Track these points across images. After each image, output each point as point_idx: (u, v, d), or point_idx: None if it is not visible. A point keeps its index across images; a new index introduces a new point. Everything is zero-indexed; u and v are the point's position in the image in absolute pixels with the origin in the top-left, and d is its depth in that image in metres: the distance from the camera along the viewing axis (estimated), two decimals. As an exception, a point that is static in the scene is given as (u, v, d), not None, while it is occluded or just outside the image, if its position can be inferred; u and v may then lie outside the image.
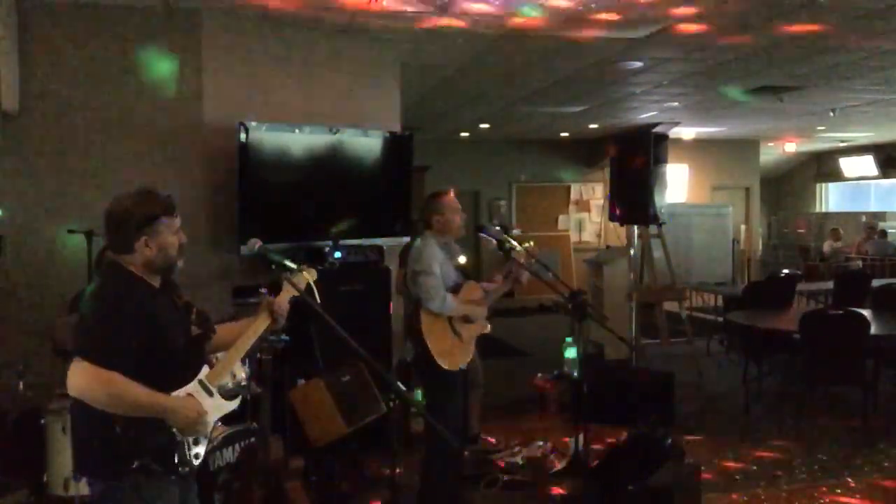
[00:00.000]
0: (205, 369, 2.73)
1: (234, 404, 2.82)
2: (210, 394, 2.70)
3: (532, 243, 4.47)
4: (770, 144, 15.72)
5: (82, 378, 2.46)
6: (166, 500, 2.62)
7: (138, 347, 2.52)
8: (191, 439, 2.61)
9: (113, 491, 2.56)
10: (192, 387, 2.66)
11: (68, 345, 3.67)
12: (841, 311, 5.98)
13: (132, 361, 2.49)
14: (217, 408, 2.72)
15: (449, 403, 4.13)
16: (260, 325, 2.87)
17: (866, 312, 6.22)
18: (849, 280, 9.00)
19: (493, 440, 5.81)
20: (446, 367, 4.09)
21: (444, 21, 5.84)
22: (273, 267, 3.03)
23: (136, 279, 2.65)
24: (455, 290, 4.24)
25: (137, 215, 2.61)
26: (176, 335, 2.69)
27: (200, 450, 2.65)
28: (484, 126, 12.33)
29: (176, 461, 2.57)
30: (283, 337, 3.75)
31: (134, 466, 2.50)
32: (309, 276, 3.08)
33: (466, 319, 4.24)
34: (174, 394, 2.60)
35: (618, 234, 9.87)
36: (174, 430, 2.55)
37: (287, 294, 2.95)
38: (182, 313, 2.77)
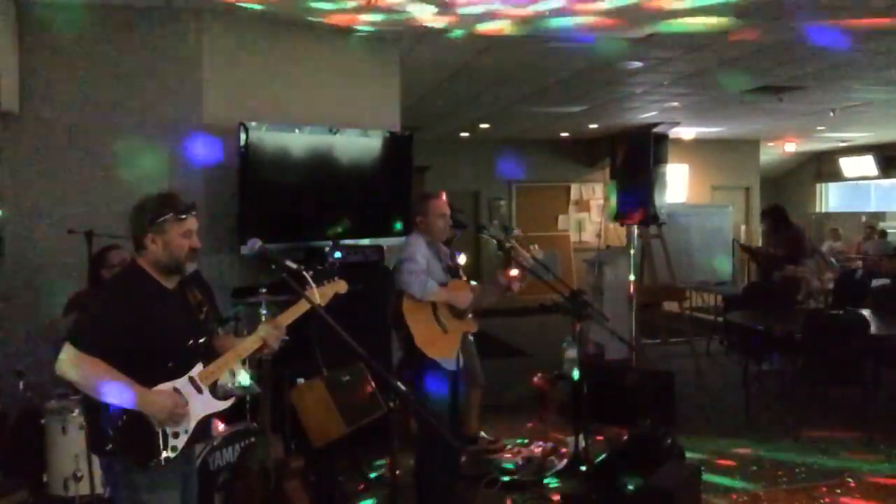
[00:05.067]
0: (198, 367, 2.80)
1: (225, 404, 2.88)
2: (199, 391, 2.78)
3: (536, 246, 4.47)
4: (770, 144, 15.72)
5: (66, 361, 2.62)
6: (157, 484, 2.71)
7: (126, 340, 2.63)
8: (170, 432, 2.68)
9: (110, 467, 2.75)
10: (181, 382, 2.75)
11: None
12: (841, 311, 5.98)
13: (117, 351, 2.61)
14: (205, 405, 2.81)
15: (434, 398, 4.13)
16: (249, 346, 2.92)
17: (866, 312, 6.21)
18: (849, 280, 8.99)
19: (490, 437, 5.80)
20: (430, 354, 4.12)
21: (445, 21, 5.84)
22: (284, 274, 3.03)
23: (146, 277, 2.77)
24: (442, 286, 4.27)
25: (148, 212, 2.76)
26: (173, 333, 2.78)
27: (179, 442, 2.72)
28: (484, 126, 12.33)
29: (150, 452, 2.65)
30: (283, 336, 3.75)
31: (108, 450, 2.66)
32: (339, 287, 3.12)
33: (454, 313, 4.25)
34: (160, 387, 2.69)
35: (618, 234, 9.87)
36: (152, 421, 2.65)
37: (290, 316, 3.00)
38: (192, 312, 2.83)
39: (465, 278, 4.46)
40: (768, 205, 8.65)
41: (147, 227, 2.74)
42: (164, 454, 2.67)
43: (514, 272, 4.36)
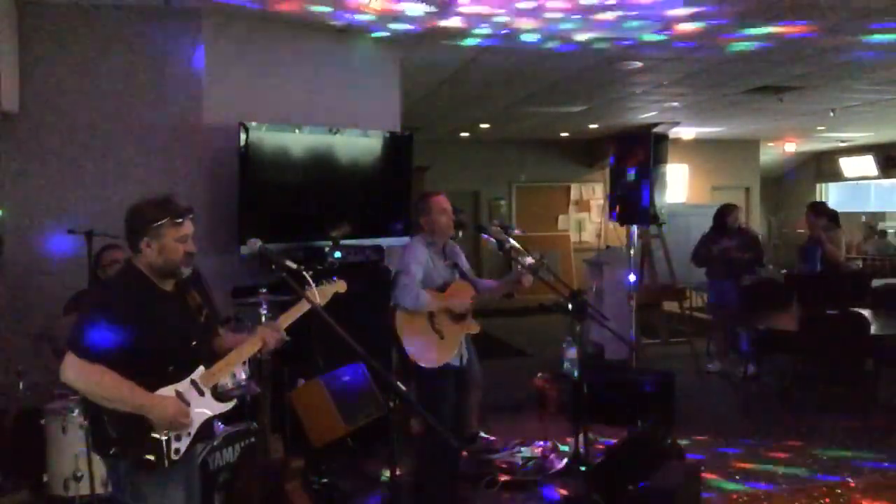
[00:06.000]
0: (200, 369, 2.78)
1: (226, 406, 2.88)
2: (201, 393, 2.77)
3: (540, 255, 4.44)
4: (770, 144, 15.73)
5: (69, 369, 2.62)
6: (161, 485, 2.71)
7: (125, 344, 2.61)
8: (172, 435, 2.68)
9: (114, 468, 2.73)
10: (183, 385, 2.74)
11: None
12: (841, 311, 5.98)
13: (117, 356, 2.60)
14: (207, 408, 2.80)
15: (436, 402, 4.12)
16: (250, 347, 2.92)
17: (866, 312, 6.21)
18: (849, 280, 8.98)
19: (492, 437, 5.80)
20: (423, 364, 4.12)
21: (445, 22, 5.84)
22: (284, 274, 3.02)
23: (143, 279, 2.76)
24: (443, 289, 4.25)
25: (144, 217, 2.73)
26: (173, 335, 2.77)
27: (182, 445, 2.72)
28: (484, 126, 12.33)
29: (154, 456, 2.65)
30: (285, 338, 3.75)
31: (111, 453, 2.66)
32: (339, 287, 3.12)
33: (452, 317, 4.24)
34: (162, 390, 2.68)
35: (618, 234, 9.86)
36: (154, 426, 2.64)
37: (290, 318, 3.00)
38: (191, 315, 2.82)
39: (468, 278, 4.46)
40: (724, 204, 8.23)
41: (143, 232, 2.72)
42: (168, 457, 2.67)
43: (527, 279, 4.36)
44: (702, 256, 7.98)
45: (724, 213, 8.03)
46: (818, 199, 18.22)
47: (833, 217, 7.59)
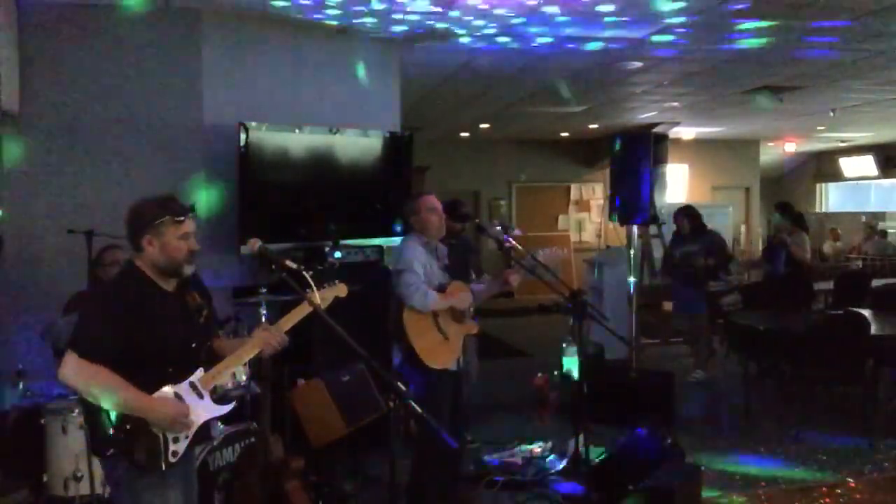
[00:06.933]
0: (199, 371, 2.78)
1: (225, 408, 2.87)
2: (200, 396, 2.76)
3: (531, 255, 4.42)
4: (770, 144, 15.73)
5: (69, 369, 2.60)
6: (159, 486, 2.70)
7: (126, 344, 2.61)
8: (170, 437, 2.67)
9: (113, 469, 2.73)
10: (183, 387, 2.73)
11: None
12: (841, 311, 5.97)
13: (117, 357, 2.59)
14: (206, 410, 2.79)
15: (436, 404, 4.10)
16: (250, 350, 2.89)
17: (866, 312, 6.21)
18: (849, 280, 8.99)
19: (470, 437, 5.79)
20: (432, 365, 4.10)
21: (445, 21, 5.85)
22: (284, 274, 3.01)
23: (144, 279, 2.75)
24: (440, 290, 4.24)
25: (145, 215, 2.73)
26: (173, 336, 2.76)
27: (180, 447, 2.71)
28: (484, 126, 12.33)
29: (152, 458, 2.65)
30: (285, 341, 3.75)
31: (109, 454, 2.66)
32: (339, 291, 3.11)
33: (454, 318, 4.24)
34: (161, 392, 2.67)
35: (618, 234, 9.87)
36: (153, 427, 2.64)
37: (291, 320, 2.98)
38: (191, 316, 2.81)
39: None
40: (685, 205, 7.87)
41: (144, 230, 2.71)
42: (165, 459, 2.66)
43: (514, 278, 4.35)
44: (669, 264, 7.83)
45: (673, 217, 7.68)
46: (818, 200, 18.27)
47: (798, 218, 7.57)
